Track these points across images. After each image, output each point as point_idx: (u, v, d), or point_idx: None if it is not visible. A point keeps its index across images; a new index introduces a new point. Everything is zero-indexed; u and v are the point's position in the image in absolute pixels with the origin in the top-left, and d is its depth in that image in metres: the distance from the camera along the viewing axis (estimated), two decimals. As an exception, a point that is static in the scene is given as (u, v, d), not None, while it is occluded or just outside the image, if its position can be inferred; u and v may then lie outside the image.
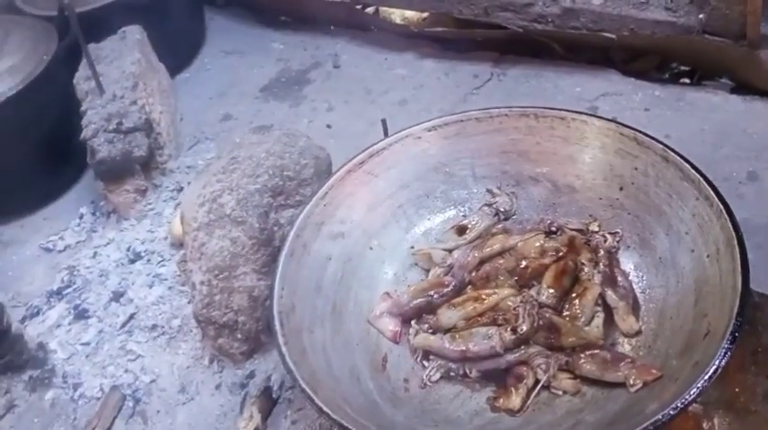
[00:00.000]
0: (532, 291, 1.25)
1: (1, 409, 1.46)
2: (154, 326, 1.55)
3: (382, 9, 2.33)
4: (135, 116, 1.74)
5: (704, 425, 1.13)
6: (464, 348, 1.19)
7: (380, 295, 1.32)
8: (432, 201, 1.43)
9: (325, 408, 1.03)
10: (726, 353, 0.98)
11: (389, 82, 2.10)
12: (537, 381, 1.15)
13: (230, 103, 2.16)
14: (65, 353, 1.54)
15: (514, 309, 1.20)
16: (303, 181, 1.48)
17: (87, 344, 1.55)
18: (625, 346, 1.19)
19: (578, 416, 1.10)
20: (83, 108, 1.77)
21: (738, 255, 1.07)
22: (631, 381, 1.09)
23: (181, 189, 1.81)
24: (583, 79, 1.95)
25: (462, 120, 1.41)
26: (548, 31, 1.96)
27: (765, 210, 1.52)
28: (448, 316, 1.25)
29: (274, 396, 1.38)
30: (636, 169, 1.29)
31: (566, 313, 1.22)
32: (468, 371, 1.20)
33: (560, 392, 1.15)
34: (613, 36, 1.91)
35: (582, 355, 1.15)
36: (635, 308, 1.22)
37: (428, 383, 1.21)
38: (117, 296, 1.62)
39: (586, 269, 1.27)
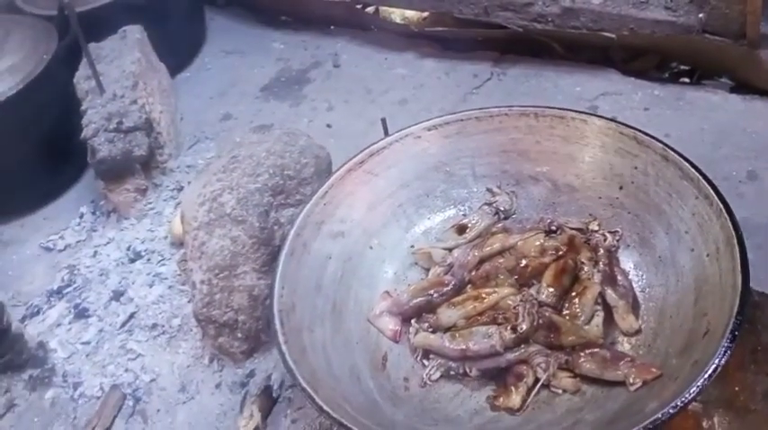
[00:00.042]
0: (532, 290, 1.26)
1: (1, 408, 1.46)
2: (154, 326, 1.55)
3: (382, 9, 2.33)
4: (135, 115, 1.74)
5: (704, 423, 1.13)
6: (464, 347, 1.19)
7: (380, 294, 1.32)
8: (432, 200, 1.44)
9: (325, 407, 1.03)
10: (725, 351, 0.98)
11: (389, 81, 2.10)
12: (537, 380, 1.15)
13: (230, 103, 2.16)
14: (65, 353, 1.54)
15: (514, 307, 1.20)
16: (303, 180, 1.48)
17: (87, 343, 1.55)
18: (625, 345, 1.19)
19: (578, 414, 1.10)
20: (83, 107, 1.77)
21: (738, 254, 1.07)
22: (631, 380, 1.09)
23: (181, 188, 1.82)
24: (583, 79, 1.95)
25: (462, 120, 1.42)
26: (548, 31, 1.96)
27: (765, 209, 1.52)
28: (448, 315, 1.25)
29: (274, 395, 1.39)
30: (635, 168, 1.30)
31: (565, 312, 1.22)
32: (467, 370, 1.20)
33: (560, 391, 1.15)
34: (613, 35, 1.91)
35: (582, 354, 1.15)
36: (635, 306, 1.22)
37: (428, 382, 1.21)
38: (117, 295, 1.62)
39: (586, 268, 1.27)
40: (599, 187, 1.35)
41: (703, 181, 1.18)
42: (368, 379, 1.20)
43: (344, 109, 2.05)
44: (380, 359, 1.25)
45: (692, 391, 0.95)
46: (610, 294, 1.22)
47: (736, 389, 1.15)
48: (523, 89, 1.97)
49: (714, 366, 0.97)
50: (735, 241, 1.09)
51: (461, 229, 1.39)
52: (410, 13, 2.32)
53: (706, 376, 0.96)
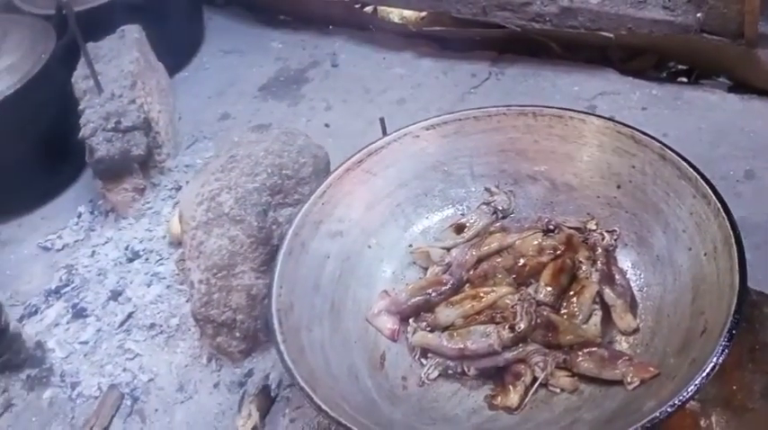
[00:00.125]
0: (530, 289, 1.26)
1: (-1, 408, 1.47)
2: (152, 325, 1.55)
3: (380, 8, 2.33)
4: (133, 115, 1.74)
5: (702, 422, 1.13)
6: (462, 346, 1.19)
7: (379, 293, 1.32)
8: (430, 199, 1.44)
9: (323, 406, 1.03)
10: (723, 350, 0.98)
11: (388, 81, 2.11)
12: (535, 379, 1.15)
13: (229, 102, 2.16)
14: (63, 352, 1.54)
15: (512, 306, 1.20)
16: (301, 179, 1.48)
17: (85, 342, 1.55)
18: (623, 344, 1.19)
19: (576, 413, 1.10)
20: (81, 107, 1.77)
21: (736, 253, 1.07)
22: (629, 379, 1.09)
23: (179, 188, 1.81)
24: (581, 78, 1.95)
25: (460, 119, 1.42)
26: (546, 30, 1.97)
27: (763, 208, 1.52)
28: (446, 314, 1.25)
29: (273, 394, 1.38)
30: (633, 167, 1.30)
31: (563, 311, 1.22)
32: (466, 369, 1.20)
33: (558, 390, 1.15)
34: (611, 35, 1.91)
35: (579, 353, 1.15)
36: (632, 306, 1.22)
37: (426, 381, 1.21)
38: (115, 295, 1.62)
39: (584, 267, 1.27)
40: (597, 186, 1.35)
41: (701, 180, 1.19)
42: (366, 378, 1.20)
43: (343, 108, 2.05)
44: (379, 358, 1.25)
45: (689, 390, 0.95)
46: (608, 293, 1.22)
47: (734, 387, 1.15)
48: (521, 89, 1.97)
49: (712, 365, 0.97)
50: (732, 240, 1.09)
51: (459, 229, 1.39)
52: (408, 13, 2.32)
53: (704, 375, 0.96)
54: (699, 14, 1.75)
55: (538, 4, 1.91)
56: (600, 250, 1.29)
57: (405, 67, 2.14)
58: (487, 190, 1.42)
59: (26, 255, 1.82)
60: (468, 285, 1.31)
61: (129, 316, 1.58)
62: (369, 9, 2.34)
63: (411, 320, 1.29)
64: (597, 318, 1.21)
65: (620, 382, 1.10)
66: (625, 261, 1.29)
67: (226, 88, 2.21)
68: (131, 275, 1.65)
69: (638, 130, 1.29)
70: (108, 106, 1.73)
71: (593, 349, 1.15)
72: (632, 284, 1.26)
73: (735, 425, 1.12)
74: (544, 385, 1.15)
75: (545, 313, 1.20)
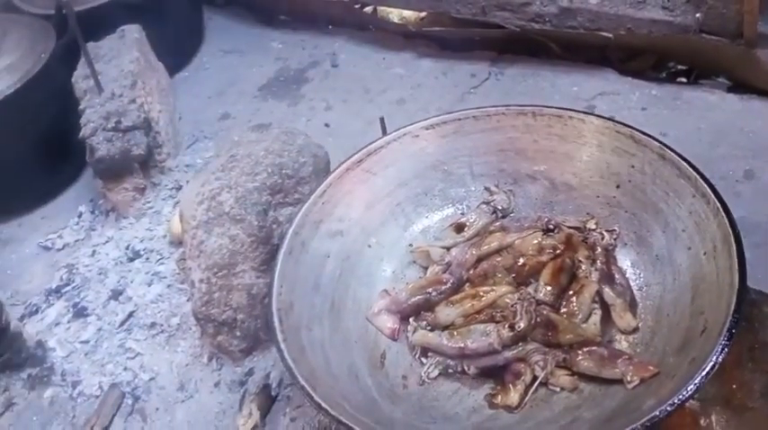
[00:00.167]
0: (530, 289, 1.26)
1: (0, 407, 1.46)
2: (153, 324, 1.55)
3: (380, 8, 2.33)
4: (134, 115, 1.74)
5: (701, 421, 1.13)
6: (462, 345, 1.19)
7: (379, 292, 1.32)
8: (430, 199, 1.44)
9: (323, 405, 1.03)
10: (722, 349, 0.98)
11: (387, 81, 2.11)
12: (535, 378, 1.15)
13: (229, 102, 2.16)
14: (64, 352, 1.54)
15: (512, 306, 1.21)
16: (302, 179, 1.48)
17: (86, 342, 1.55)
18: (622, 343, 1.20)
19: (576, 412, 1.11)
20: (81, 106, 1.77)
21: (735, 253, 1.07)
22: (629, 378, 1.09)
23: (180, 187, 1.82)
24: (580, 78, 1.96)
25: (460, 119, 1.42)
26: (545, 31, 1.97)
27: (762, 208, 1.52)
28: (446, 313, 1.26)
29: (273, 393, 1.39)
30: (633, 167, 1.30)
31: (563, 310, 1.22)
32: (466, 368, 1.20)
33: (558, 389, 1.15)
34: (610, 35, 1.91)
35: (579, 352, 1.15)
36: (632, 305, 1.23)
37: (426, 380, 1.21)
38: (116, 294, 1.63)
39: (584, 266, 1.27)
40: (596, 186, 1.35)
41: (700, 179, 1.19)
42: (366, 377, 1.20)
43: (343, 108, 2.06)
44: (379, 357, 1.25)
45: (689, 389, 0.96)
46: (607, 292, 1.23)
47: (734, 386, 1.15)
48: (521, 89, 1.97)
49: (711, 364, 0.97)
50: (732, 239, 1.09)
51: (459, 228, 1.39)
52: (408, 13, 2.32)
53: (703, 374, 0.96)
54: (698, 14, 1.75)
55: (537, 4, 1.91)
56: (599, 249, 1.29)
57: (404, 67, 2.14)
58: (487, 189, 1.43)
59: (27, 254, 1.82)
60: (468, 284, 1.31)
61: (130, 315, 1.58)
62: (369, 9, 2.35)
63: (411, 319, 1.29)
64: (597, 317, 1.22)
65: (619, 381, 1.11)
66: (624, 260, 1.30)
67: (226, 88, 2.22)
68: (132, 275, 1.66)
69: (637, 130, 1.30)
70: (108, 106, 1.74)
71: (593, 348, 1.16)
72: (632, 283, 1.26)
73: (734, 424, 1.12)
74: (544, 384, 1.16)
75: (545, 312, 1.20)
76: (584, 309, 1.22)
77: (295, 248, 1.27)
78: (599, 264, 1.26)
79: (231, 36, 2.41)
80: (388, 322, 1.28)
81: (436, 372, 1.21)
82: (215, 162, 1.51)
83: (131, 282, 1.64)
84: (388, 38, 2.25)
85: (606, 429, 1.04)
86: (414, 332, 1.26)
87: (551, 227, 1.34)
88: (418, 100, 2.01)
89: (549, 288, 1.24)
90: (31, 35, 1.89)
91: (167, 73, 2.12)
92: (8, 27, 1.91)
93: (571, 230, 1.33)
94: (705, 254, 1.15)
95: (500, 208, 1.40)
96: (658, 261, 1.24)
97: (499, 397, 1.15)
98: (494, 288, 1.26)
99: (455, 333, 1.21)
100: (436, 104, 1.95)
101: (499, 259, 1.32)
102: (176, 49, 2.26)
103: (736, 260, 1.07)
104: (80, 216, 1.86)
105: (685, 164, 1.22)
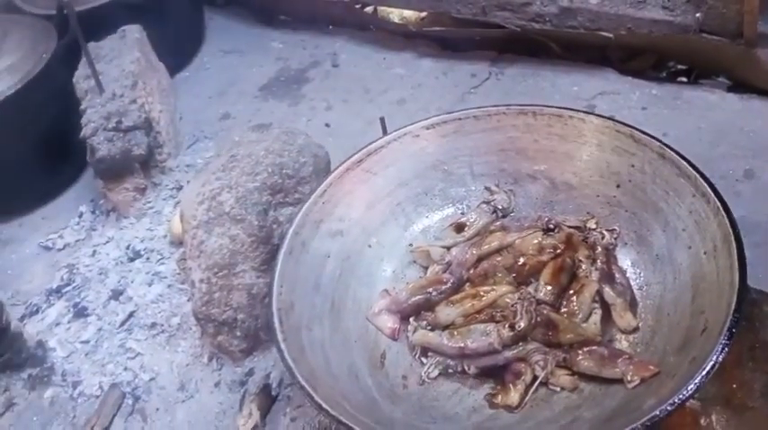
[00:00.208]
0: (530, 288, 1.26)
1: (0, 408, 1.46)
2: (153, 325, 1.55)
3: (381, 8, 2.33)
4: (134, 115, 1.74)
5: (702, 421, 1.13)
6: (462, 345, 1.19)
7: (379, 292, 1.32)
8: (430, 198, 1.44)
9: (324, 405, 1.04)
10: (723, 349, 0.98)
11: (388, 81, 2.11)
12: (535, 378, 1.15)
13: (229, 102, 2.16)
14: (64, 352, 1.54)
15: (512, 305, 1.21)
16: (302, 179, 1.48)
17: (87, 342, 1.55)
18: (622, 343, 1.20)
19: (576, 412, 1.11)
20: (82, 106, 1.77)
21: (735, 252, 1.07)
22: (629, 378, 1.09)
23: (180, 187, 1.82)
24: (580, 78, 1.96)
25: (460, 119, 1.42)
26: (545, 31, 1.97)
27: (762, 207, 1.52)
28: (446, 313, 1.26)
29: (273, 393, 1.39)
30: (633, 166, 1.30)
31: (563, 310, 1.23)
32: (466, 368, 1.20)
33: (558, 389, 1.15)
34: (611, 35, 1.91)
35: (579, 352, 1.15)
36: (632, 304, 1.23)
37: (426, 380, 1.21)
38: (116, 294, 1.63)
39: (584, 266, 1.27)
40: (596, 185, 1.35)
41: (700, 179, 1.19)
42: (366, 377, 1.20)
43: (343, 108, 2.06)
44: (379, 357, 1.25)
45: (689, 389, 0.96)
46: (607, 292, 1.23)
47: (734, 386, 1.15)
48: (521, 89, 1.97)
49: (712, 363, 0.97)
50: (732, 239, 1.09)
51: (460, 228, 1.39)
52: (408, 13, 2.32)
53: (704, 373, 0.96)
54: (698, 14, 1.75)
55: (537, 4, 1.91)
56: (600, 249, 1.29)
57: (405, 67, 2.14)
58: (487, 189, 1.43)
59: (27, 254, 1.82)
60: (468, 284, 1.31)
61: (131, 315, 1.58)
62: (369, 9, 2.35)
63: (411, 319, 1.29)
64: (597, 316, 1.22)
65: (620, 381, 1.11)
66: (625, 260, 1.30)
67: (226, 88, 2.22)
68: (132, 275, 1.66)
69: (637, 130, 1.30)
70: (109, 106, 1.74)
71: (594, 348, 1.16)
72: (632, 283, 1.26)
73: (735, 424, 1.12)
74: (544, 384, 1.16)
75: (545, 312, 1.20)
76: (584, 308, 1.22)
77: (295, 248, 1.27)
78: (599, 264, 1.26)
79: (232, 36, 2.41)
80: (389, 322, 1.28)
81: (436, 372, 1.21)
82: (215, 162, 1.51)
83: (132, 282, 1.64)
84: (388, 38, 2.25)
85: (606, 429, 1.04)
86: (414, 332, 1.27)
87: (551, 226, 1.34)
88: (418, 100, 2.01)
89: (549, 287, 1.24)
90: (32, 35, 1.89)
91: (168, 73, 2.12)
92: (9, 27, 1.91)
93: (571, 230, 1.33)
94: (705, 253, 1.15)
95: (500, 207, 1.40)
96: (658, 260, 1.24)
97: (499, 396, 1.15)
98: (494, 288, 1.26)
99: (455, 333, 1.21)
100: (436, 104, 1.95)
101: (499, 259, 1.32)
102: (177, 49, 2.26)
103: (736, 259, 1.07)
104: (81, 216, 1.86)
105: (685, 163, 1.22)
